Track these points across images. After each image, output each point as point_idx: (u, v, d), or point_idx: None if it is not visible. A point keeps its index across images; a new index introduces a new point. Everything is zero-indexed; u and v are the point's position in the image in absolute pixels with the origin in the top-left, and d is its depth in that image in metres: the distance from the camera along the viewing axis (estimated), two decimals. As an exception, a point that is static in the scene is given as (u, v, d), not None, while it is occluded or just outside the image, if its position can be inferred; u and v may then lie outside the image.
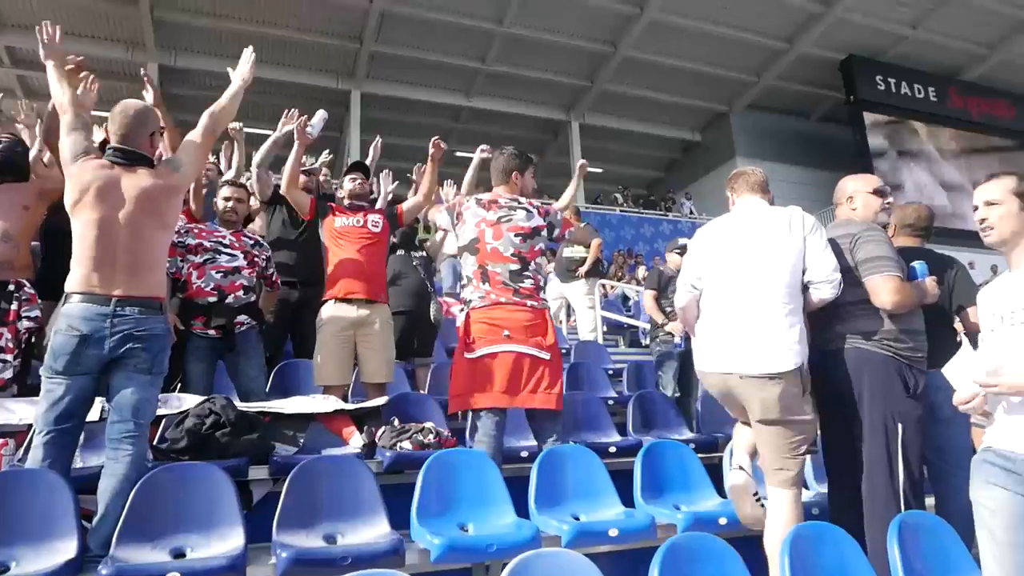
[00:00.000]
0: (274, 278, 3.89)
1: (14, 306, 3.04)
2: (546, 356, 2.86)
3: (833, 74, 17.05)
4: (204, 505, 2.29)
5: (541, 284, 2.99)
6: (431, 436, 3.11)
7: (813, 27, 15.60)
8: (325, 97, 15.37)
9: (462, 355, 2.86)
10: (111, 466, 2.25)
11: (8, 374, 2.99)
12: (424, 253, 4.98)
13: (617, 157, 20.15)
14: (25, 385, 3.09)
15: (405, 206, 3.90)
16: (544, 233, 3.02)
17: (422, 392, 4.16)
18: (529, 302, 2.90)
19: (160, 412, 2.81)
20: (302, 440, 3.13)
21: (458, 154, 19.51)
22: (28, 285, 3.16)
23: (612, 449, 3.45)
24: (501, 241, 2.92)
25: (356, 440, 3.15)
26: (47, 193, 3.22)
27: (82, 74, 2.78)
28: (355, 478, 2.55)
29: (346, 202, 3.88)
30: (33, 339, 3.16)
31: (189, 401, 3.01)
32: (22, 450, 2.54)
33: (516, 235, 2.94)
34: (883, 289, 2.43)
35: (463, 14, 14.20)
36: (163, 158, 2.69)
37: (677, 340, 4.92)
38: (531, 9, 14.25)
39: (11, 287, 3.07)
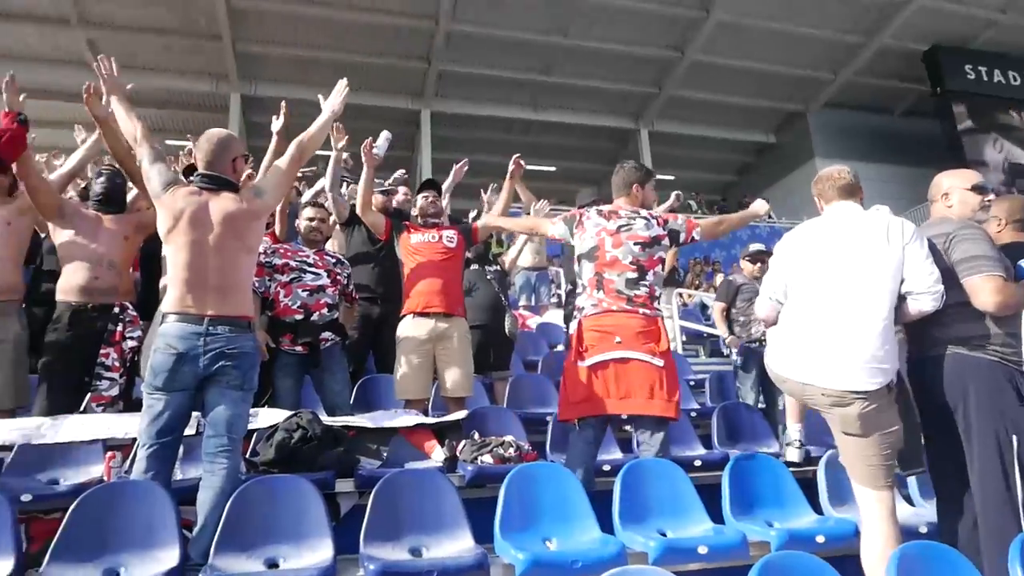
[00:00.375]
0: (353, 294, 3.99)
1: (119, 327, 3.25)
2: (659, 362, 2.84)
3: (916, 66, 16.18)
4: (294, 517, 2.35)
5: (656, 294, 2.99)
6: (511, 450, 3.10)
7: (892, 18, 14.88)
8: (397, 117, 15.79)
9: (575, 363, 2.89)
10: (208, 479, 2.34)
11: (115, 391, 3.19)
12: (498, 267, 5.01)
13: (688, 163, 19.78)
14: (130, 400, 3.28)
15: (480, 223, 3.95)
16: (665, 243, 3.04)
17: (501, 406, 4.16)
18: (642, 310, 2.90)
19: (252, 426, 2.92)
20: (385, 454, 3.19)
21: (528, 167, 19.73)
22: (131, 307, 3.37)
23: (697, 463, 3.34)
24: (621, 249, 2.95)
25: (438, 454, 3.18)
26: (144, 226, 3.41)
27: None
28: (438, 492, 2.57)
29: (419, 219, 3.94)
30: (137, 357, 3.35)
31: (273, 416, 3.11)
32: (128, 462, 2.68)
33: (635, 244, 2.96)
34: (983, 290, 2.28)
35: (527, 29, 14.31)
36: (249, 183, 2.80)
37: (734, 356, 4.88)
38: (594, 20, 14.22)
39: (116, 310, 3.28)
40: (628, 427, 3.61)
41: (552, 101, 16.79)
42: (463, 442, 3.19)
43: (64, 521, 2.19)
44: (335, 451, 2.95)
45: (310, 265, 3.68)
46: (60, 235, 3.29)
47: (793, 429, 3.49)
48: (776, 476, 2.97)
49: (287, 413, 3.10)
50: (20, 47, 13.38)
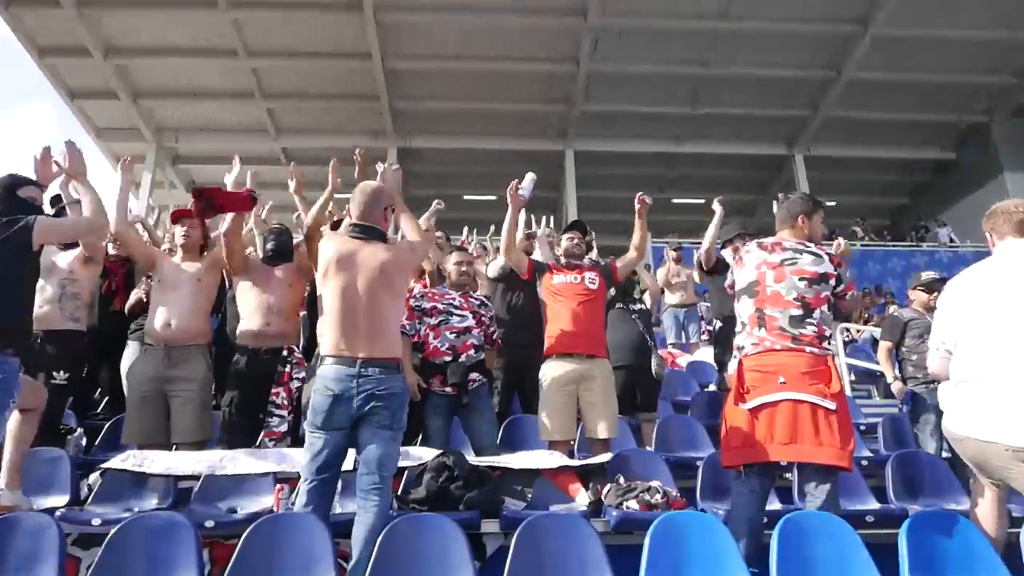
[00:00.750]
0: (494, 336, 4.07)
1: (287, 369, 3.56)
2: (830, 405, 2.59)
3: None
4: (440, 555, 2.40)
5: (827, 334, 2.75)
6: (658, 496, 2.98)
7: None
8: (541, 159, 16.24)
9: (735, 405, 2.72)
10: (361, 515, 2.46)
11: (284, 427, 3.48)
12: (642, 306, 4.91)
13: (851, 187, 18.44)
14: (298, 437, 3.55)
15: (619, 262, 3.92)
16: (832, 282, 2.79)
17: (648, 449, 4.03)
18: (809, 348, 2.67)
19: (402, 464, 3.04)
20: (530, 495, 3.19)
21: (675, 201, 19.38)
22: (297, 350, 3.69)
23: (869, 519, 3.01)
24: (783, 284, 2.77)
25: (582, 497, 3.13)
26: (304, 270, 3.74)
27: None
28: (581, 537, 2.51)
29: (563, 260, 3.97)
30: (303, 397, 3.64)
31: (423, 454, 3.22)
32: (294, 495, 2.88)
33: (800, 279, 2.76)
34: None
35: (668, 62, 14.18)
36: (404, 237, 2.99)
37: (901, 406, 4.46)
38: (739, 47, 13.81)
39: (284, 353, 3.60)
40: (789, 475, 3.36)
41: (697, 132, 16.44)
42: (608, 486, 3.11)
43: (238, 547, 2.40)
44: (481, 491, 3.00)
45: (456, 307, 3.82)
46: (240, 287, 3.71)
47: None
48: (967, 537, 2.58)
49: (435, 452, 3.20)
50: (211, 120, 15.46)
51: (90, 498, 3.12)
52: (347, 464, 2.70)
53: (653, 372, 4.48)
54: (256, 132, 15.69)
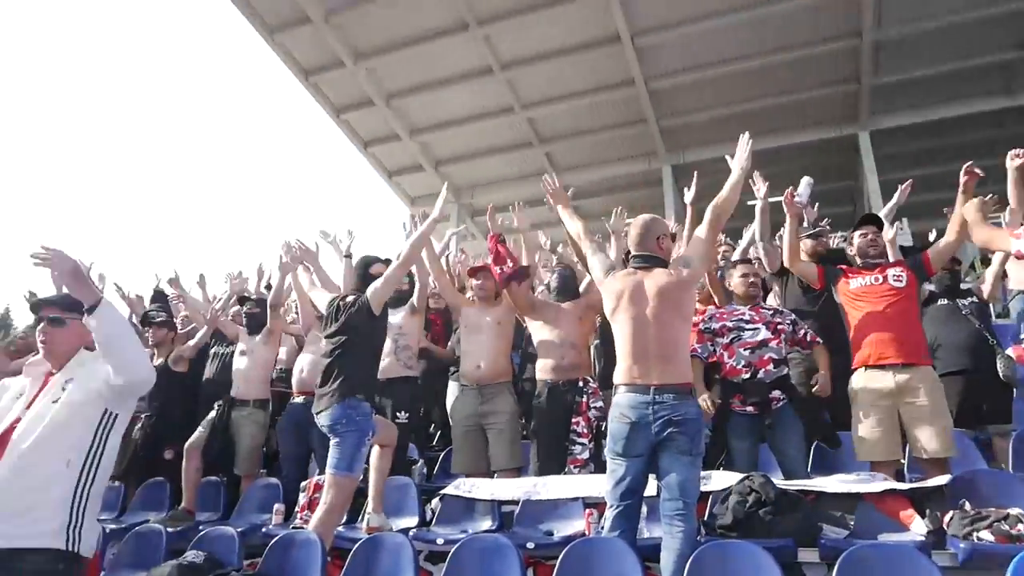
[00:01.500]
0: (808, 338, 3.74)
1: (584, 399, 3.76)
2: None
3: None
4: (754, 584, 2.32)
5: None
6: (1021, 525, 2.49)
7: None
8: (827, 148, 14.77)
9: None
10: (667, 540, 2.49)
11: (586, 454, 3.67)
12: (975, 298, 4.17)
13: None
14: (600, 463, 3.72)
15: (931, 251, 3.40)
16: None
17: (1002, 468, 3.38)
18: None
19: (705, 488, 2.99)
20: (852, 522, 2.90)
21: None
22: (592, 380, 3.88)
23: None
24: None
25: (918, 526, 2.76)
26: (592, 306, 3.96)
27: None
28: (919, 571, 2.24)
29: (858, 261, 3.58)
30: (602, 424, 3.81)
31: (726, 479, 3.13)
32: (603, 519, 3.02)
33: None
34: None
35: (978, 5, 11.83)
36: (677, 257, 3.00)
37: None
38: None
39: (580, 384, 3.82)
40: None
41: (1036, 77, 13.37)
42: (950, 513, 2.70)
43: (556, 568, 2.60)
44: (793, 517, 2.82)
45: (747, 322, 3.65)
46: (533, 325, 4.08)
47: None
48: None
49: (739, 476, 3.09)
50: (499, 173, 17.13)
51: (434, 520, 3.64)
52: (651, 490, 2.75)
53: (1001, 375, 3.77)
54: (538, 176, 16.85)
